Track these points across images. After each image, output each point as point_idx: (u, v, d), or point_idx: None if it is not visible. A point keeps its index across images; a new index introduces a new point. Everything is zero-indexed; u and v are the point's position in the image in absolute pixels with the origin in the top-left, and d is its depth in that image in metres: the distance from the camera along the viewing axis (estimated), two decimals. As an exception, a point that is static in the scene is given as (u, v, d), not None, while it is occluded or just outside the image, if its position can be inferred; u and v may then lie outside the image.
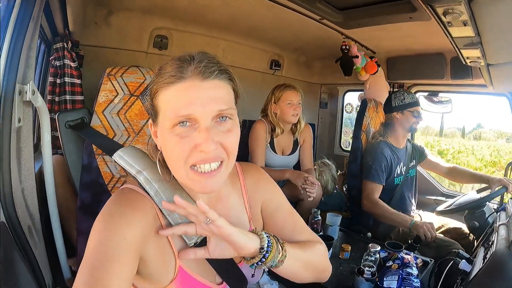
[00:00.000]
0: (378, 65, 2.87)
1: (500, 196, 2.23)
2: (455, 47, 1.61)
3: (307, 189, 2.26)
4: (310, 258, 0.94)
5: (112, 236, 0.71)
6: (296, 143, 2.63)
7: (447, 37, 1.50)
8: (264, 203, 1.03)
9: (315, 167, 2.84)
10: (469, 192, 2.40)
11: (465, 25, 1.28)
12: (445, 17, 1.21)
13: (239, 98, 0.83)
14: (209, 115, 0.73)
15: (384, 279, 1.52)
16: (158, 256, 0.79)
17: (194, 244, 0.82)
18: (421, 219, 2.44)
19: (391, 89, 3.14)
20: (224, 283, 0.91)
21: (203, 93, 0.72)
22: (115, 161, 0.91)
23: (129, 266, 0.72)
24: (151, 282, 0.80)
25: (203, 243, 0.83)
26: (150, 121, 0.83)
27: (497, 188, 2.20)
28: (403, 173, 2.50)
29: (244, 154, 2.52)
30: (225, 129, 0.76)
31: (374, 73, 2.84)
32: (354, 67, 2.72)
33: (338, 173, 3.14)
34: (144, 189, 0.81)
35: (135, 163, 0.86)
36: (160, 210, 0.80)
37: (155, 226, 0.79)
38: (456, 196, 2.54)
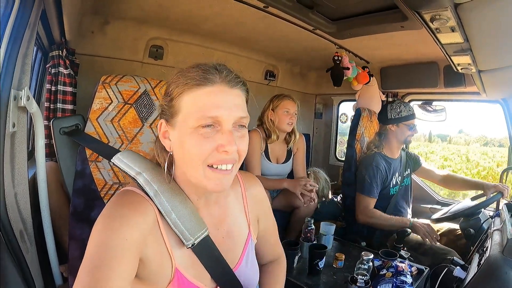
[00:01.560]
0: (371, 75, 2.90)
1: (496, 202, 2.24)
2: (446, 54, 1.64)
3: (306, 195, 2.30)
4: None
5: (113, 237, 0.71)
6: (289, 152, 2.66)
7: (437, 44, 1.52)
8: (260, 219, 1.08)
9: (309, 173, 2.89)
10: (465, 200, 2.41)
11: (453, 31, 1.31)
12: (432, 23, 1.24)
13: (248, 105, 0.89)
14: (232, 120, 0.78)
15: (378, 287, 1.51)
16: (156, 258, 0.79)
17: (192, 245, 0.82)
18: None
19: (386, 99, 3.17)
20: (219, 287, 0.91)
21: (229, 99, 0.79)
22: (113, 164, 0.91)
23: (130, 268, 0.73)
24: (149, 284, 0.80)
25: (199, 245, 0.84)
26: (162, 121, 0.85)
27: (492, 194, 2.21)
28: (398, 183, 2.50)
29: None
30: (241, 135, 0.81)
31: (367, 83, 2.87)
32: (345, 78, 2.75)
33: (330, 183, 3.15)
34: (144, 191, 0.82)
35: (135, 165, 0.87)
36: (160, 211, 0.80)
37: (154, 228, 0.80)
38: (451, 204, 2.55)
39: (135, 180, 0.84)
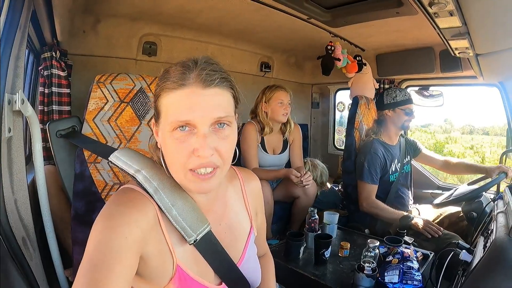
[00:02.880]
0: (364, 64, 2.90)
1: (496, 185, 2.24)
2: (443, 38, 1.62)
3: (302, 180, 2.32)
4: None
5: (113, 236, 0.70)
6: (285, 143, 2.68)
7: (435, 29, 1.51)
8: (258, 213, 1.09)
9: (305, 161, 2.90)
10: (464, 184, 2.41)
11: (451, 15, 1.29)
12: (431, 8, 1.22)
13: (239, 104, 0.85)
14: (208, 122, 0.74)
15: (385, 274, 1.51)
16: (157, 255, 0.78)
17: (194, 241, 0.81)
18: (419, 213, 2.45)
19: (382, 86, 3.16)
20: (223, 283, 0.90)
21: (202, 100, 0.74)
22: (112, 162, 0.89)
23: (130, 266, 0.71)
24: (150, 282, 0.79)
25: (201, 241, 0.83)
26: (153, 120, 0.84)
27: (496, 175, 2.21)
28: (398, 169, 2.50)
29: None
30: (223, 135, 0.77)
31: (358, 72, 2.88)
32: (335, 66, 2.75)
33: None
34: (143, 188, 0.81)
35: (133, 162, 0.86)
36: (160, 208, 0.79)
37: (155, 225, 0.79)
38: (451, 188, 2.55)
39: (134, 178, 0.83)
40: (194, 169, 0.75)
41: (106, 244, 0.69)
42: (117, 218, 0.72)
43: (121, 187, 0.85)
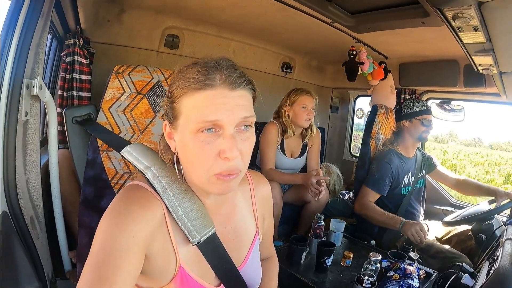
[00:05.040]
0: (389, 71, 2.84)
1: (510, 209, 2.17)
2: (467, 53, 1.58)
3: (314, 188, 2.28)
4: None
5: (120, 233, 0.70)
6: (304, 147, 2.64)
7: (458, 43, 1.47)
8: (265, 218, 1.08)
9: (322, 167, 2.87)
10: (481, 203, 2.34)
11: (475, 30, 1.25)
12: (454, 21, 1.19)
13: (256, 102, 0.84)
14: (234, 122, 0.73)
15: (384, 288, 1.50)
16: (161, 254, 0.79)
17: (197, 242, 0.82)
18: (428, 229, 2.40)
19: (403, 96, 3.10)
20: (222, 285, 0.91)
21: (231, 101, 0.73)
22: (123, 156, 0.91)
23: (136, 264, 0.72)
24: (151, 280, 0.80)
25: (205, 242, 0.83)
26: (166, 122, 0.83)
27: (503, 202, 2.14)
28: (411, 183, 2.45)
29: (252, 154, 2.53)
30: (245, 137, 0.77)
31: (382, 79, 2.82)
32: (360, 73, 2.70)
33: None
34: (151, 186, 0.81)
35: (144, 159, 0.87)
36: (167, 207, 0.80)
37: (162, 224, 0.79)
38: (464, 207, 2.49)
39: (144, 174, 0.84)
40: (220, 174, 0.74)
41: (113, 242, 0.70)
42: (125, 216, 0.73)
43: (129, 183, 0.85)
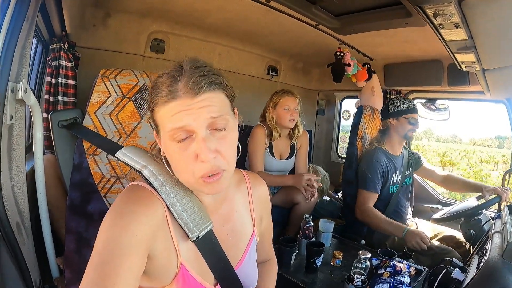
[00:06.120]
0: (373, 72, 2.89)
1: (497, 204, 2.21)
2: (449, 51, 1.61)
3: (309, 190, 2.31)
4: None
5: (123, 233, 0.71)
6: (293, 148, 2.64)
7: (441, 41, 1.50)
8: (263, 219, 1.08)
9: (308, 168, 2.87)
10: (468, 199, 2.38)
11: (457, 27, 1.28)
12: (436, 19, 1.22)
13: (235, 99, 0.85)
14: (202, 125, 0.74)
15: (375, 286, 1.50)
16: (163, 253, 0.79)
17: (196, 238, 0.82)
18: (416, 227, 2.42)
19: (388, 96, 3.14)
20: (219, 285, 0.91)
21: (193, 107, 0.74)
22: (117, 158, 0.91)
23: (139, 264, 0.73)
24: (154, 279, 0.80)
25: (202, 239, 0.84)
26: (154, 132, 0.84)
27: (490, 197, 2.18)
28: (399, 181, 2.47)
29: (241, 158, 2.53)
30: (220, 135, 0.78)
31: (366, 81, 2.86)
32: (345, 74, 2.74)
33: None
34: (150, 185, 0.82)
35: (139, 159, 0.88)
36: (166, 204, 0.80)
37: (163, 223, 0.80)
38: (452, 204, 2.52)
39: (141, 173, 0.84)
40: (204, 176, 0.76)
41: (115, 242, 0.70)
42: (127, 216, 0.74)
43: (129, 184, 0.85)
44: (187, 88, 0.74)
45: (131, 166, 0.87)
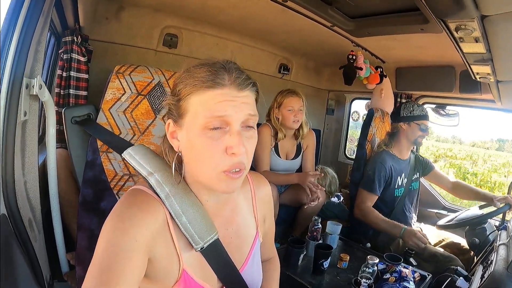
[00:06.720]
0: (385, 76, 2.87)
1: (502, 213, 2.21)
2: (466, 62, 1.60)
3: (313, 191, 2.28)
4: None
5: (123, 238, 0.71)
6: (299, 148, 2.63)
7: (458, 52, 1.49)
8: (266, 219, 1.08)
9: (317, 169, 2.85)
10: (472, 207, 2.38)
11: (476, 41, 1.27)
12: (457, 32, 1.20)
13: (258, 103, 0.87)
14: (241, 119, 0.76)
15: (381, 291, 1.51)
16: (165, 258, 0.79)
17: (201, 248, 0.82)
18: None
19: (399, 99, 3.12)
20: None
21: (237, 99, 0.76)
22: (124, 159, 0.91)
23: (139, 268, 0.73)
24: (156, 283, 0.80)
25: (208, 248, 0.84)
26: (169, 121, 0.84)
27: (501, 205, 2.18)
28: (404, 185, 2.47)
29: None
30: (249, 135, 0.79)
31: (378, 84, 2.85)
32: (357, 76, 2.73)
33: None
34: (154, 191, 0.82)
35: (146, 164, 0.87)
36: (170, 213, 0.80)
37: (164, 229, 0.80)
38: (458, 211, 2.52)
39: (147, 180, 0.84)
40: (228, 170, 0.76)
41: (116, 246, 0.70)
42: (128, 220, 0.73)
43: (131, 188, 0.85)
44: (235, 82, 0.77)
45: (137, 171, 0.87)
